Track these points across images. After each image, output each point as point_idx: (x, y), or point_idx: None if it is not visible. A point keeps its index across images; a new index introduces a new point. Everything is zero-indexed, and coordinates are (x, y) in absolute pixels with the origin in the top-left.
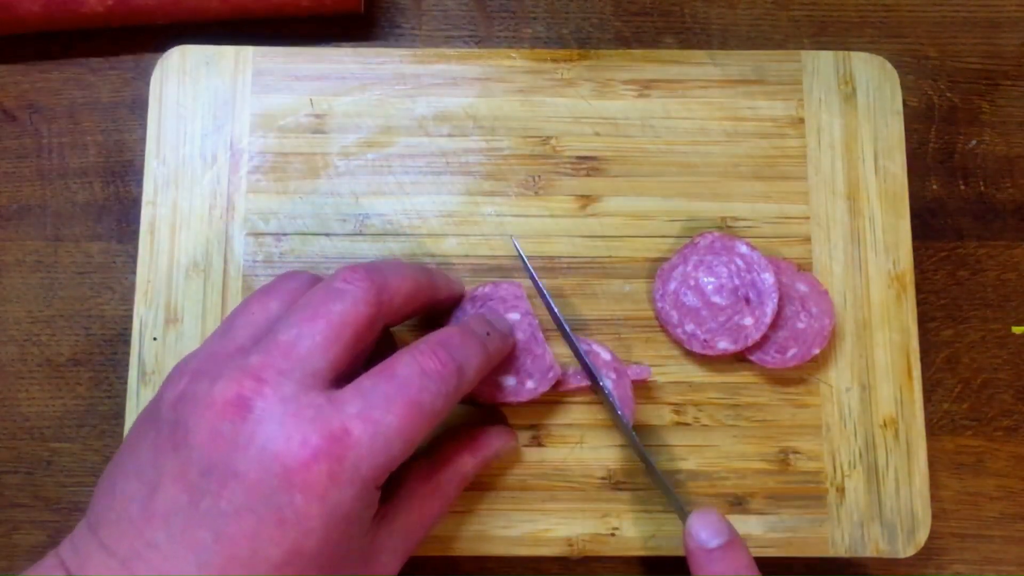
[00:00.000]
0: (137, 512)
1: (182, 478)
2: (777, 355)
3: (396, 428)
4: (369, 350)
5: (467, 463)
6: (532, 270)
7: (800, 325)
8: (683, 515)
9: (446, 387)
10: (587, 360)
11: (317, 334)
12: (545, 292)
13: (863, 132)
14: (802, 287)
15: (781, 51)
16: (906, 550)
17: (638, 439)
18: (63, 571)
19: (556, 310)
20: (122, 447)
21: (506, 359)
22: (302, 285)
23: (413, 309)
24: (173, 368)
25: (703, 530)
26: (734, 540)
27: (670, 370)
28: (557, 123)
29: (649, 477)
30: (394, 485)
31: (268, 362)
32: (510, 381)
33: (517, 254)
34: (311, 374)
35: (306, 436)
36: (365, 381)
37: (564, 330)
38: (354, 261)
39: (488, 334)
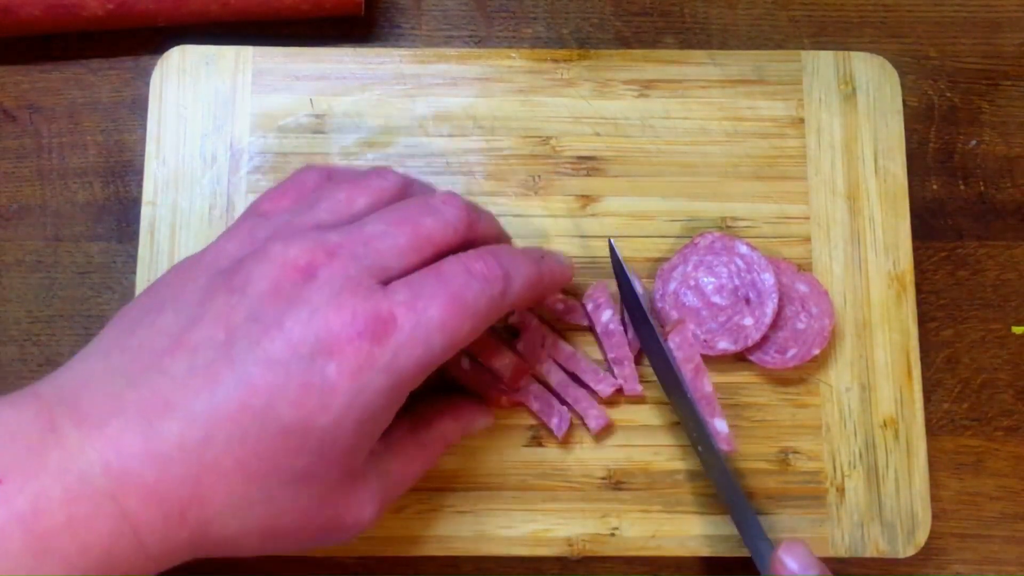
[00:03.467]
0: (165, 343)
1: (226, 319)
2: (777, 355)
3: (438, 320)
4: None
5: (448, 427)
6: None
7: (800, 325)
8: (755, 543)
9: (491, 289)
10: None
11: (401, 237)
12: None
13: (863, 132)
14: (802, 287)
15: (781, 51)
16: (906, 550)
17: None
18: (45, 402)
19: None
20: (160, 284)
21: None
22: (393, 187)
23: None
24: (244, 216)
25: (794, 562)
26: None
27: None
28: (557, 123)
29: (729, 506)
30: (382, 436)
31: (346, 243)
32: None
33: (614, 258)
34: (381, 268)
35: (356, 312)
36: (414, 276)
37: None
38: None
39: (543, 257)
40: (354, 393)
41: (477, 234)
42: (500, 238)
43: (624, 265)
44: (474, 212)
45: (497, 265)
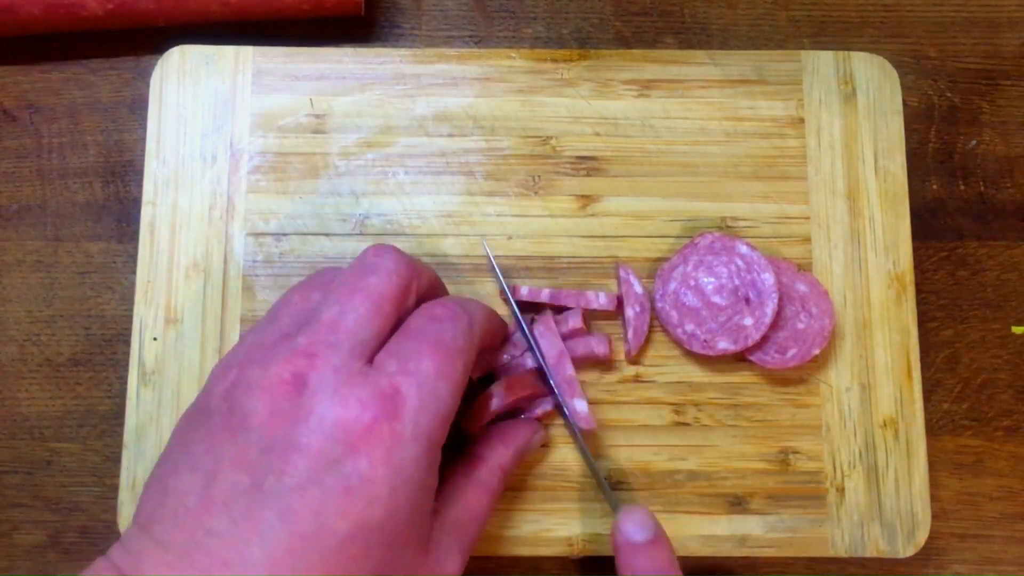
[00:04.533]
0: (195, 503)
1: (242, 461)
2: (777, 355)
3: (434, 371)
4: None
5: (503, 455)
6: (499, 271)
7: (800, 325)
8: (616, 512)
9: (460, 324)
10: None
11: (359, 306)
12: (511, 296)
13: (863, 132)
14: (802, 287)
15: (781, 51)
16: (906, 550)
17: (585, 444)
18: (115, 571)
19: (522, 321)
20: (168, 448)
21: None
22: (336, 273)
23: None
24: (215, 367)
25: (631, 525)
26: (660, 537)
27: (670, 370)
28: (557, 123)
29: (593, 476)
30: (439, 485)
31: (316, 339)
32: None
33: (487, 256)
34: (359, 344)
35: (362, 399)
36: (390, 345)
37: (530, 341)
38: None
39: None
40: (394, 475)
41: (420, 269)
42: (440, 281)
43: (495, 264)
44: (406, 255)
45: (454, 304)
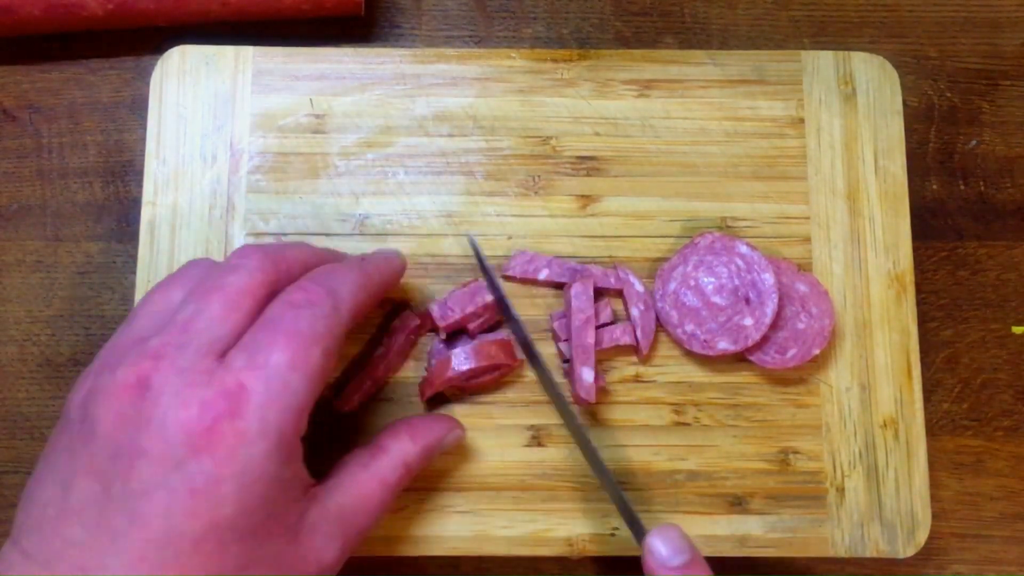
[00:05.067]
0: (54, 513)
1: (92, 469)
2: (777, 355)
3: (287, 363)
4: None
5: (408, 450)
6: (486, 264)
7: (800, 325)
8: (638, 530)
9: (320, 311)
10: (529, 337)
11: (213, 305)
12: (496, 281)
13: (863, 132)
14: (802, 287)
15: (781, 51)
16: (906, 550)
17: (586, 433)
18: None
19: (503, 293)
20: (39, 458)
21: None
22: (203, 271)
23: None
24: (80, 374)
25: (666, 547)
26: (695, 558)
27: (670, 370)
28: (557, 123)
29: (600, 480)
30: (332, 469)
31: (166, 341)
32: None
33: (474, 251)
34: (209, 342)
35: (204, 400)
36: (244, 338)
37: (509, 313)
38: None
39: (363, 259)
40: (241, 474)
41: (288, 262)
42: (318, 261)
43: (482, 256)
44: (272, 248)
45: (315, 287)
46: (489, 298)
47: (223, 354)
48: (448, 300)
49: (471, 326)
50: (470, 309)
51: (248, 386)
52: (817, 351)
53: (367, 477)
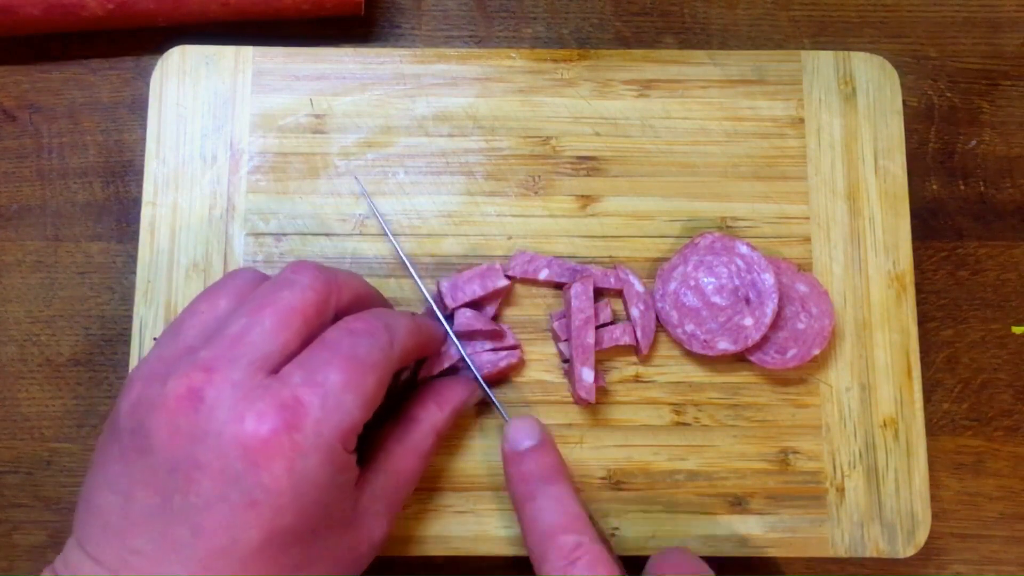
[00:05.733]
0: (116, 522)
1: (151, 482)
2: (777, 355)
3: (342, 384)
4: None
5: (436, 416)
6: (391, 234)
7: (800, 326)
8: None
9: (378, 340)
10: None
11: (266, 320)
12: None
13: (863, 132)
14: (802, 287)
15: (781, 51)
16: (906, 550)
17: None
18: None
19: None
20: (92, 461)
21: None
22: (249, 282)
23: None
24: (127, 377)
25: (517, 433)
26: (545, 442)
27: (670, 370)
28: (557, 123)
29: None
30: (370, 449)
31: (217, 354)
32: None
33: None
34: (261, 358)
35: (260, 413)
36: (301, 356)
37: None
38: (354, 261)
39: (413, 315)
40: (298, 484)
41: (340, 285)
42: (371, 295)
43: (409, 264)
44: (326, 269)
45: (375, 320)
46: (502, 283)
47: (274, 370)
48: (458, 280)
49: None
50: (480, 293)
51: (305, 401)
52: (817, 351)
53: (404, 451)
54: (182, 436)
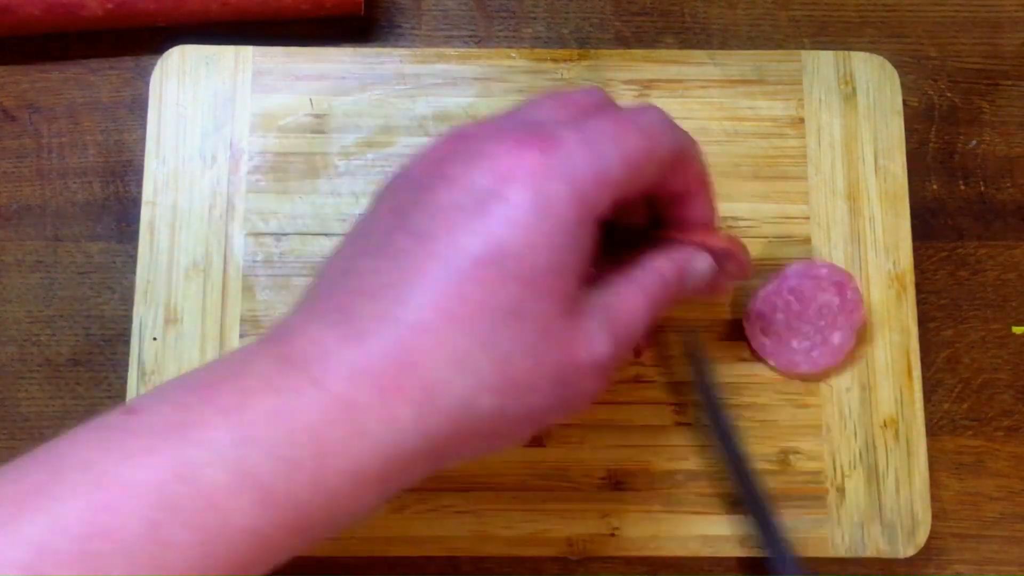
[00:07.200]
0: (348, 252)
1: (392, 206)
2: (806, 364)
3: (611, 134)
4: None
5: (663, 264)
6: None
7: (836, 340)
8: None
9: (654, 138)
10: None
11: (616, 147)
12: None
13: (863, 132)
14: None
15: (781, 51)
16: (906, 550)
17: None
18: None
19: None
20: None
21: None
22: (596, 103)
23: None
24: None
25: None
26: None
27: (670, 370)
28: None
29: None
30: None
31: (557, 131)
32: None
33: None
34: (533, 121)
35: (518, 136)
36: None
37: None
38: None
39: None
40: (537, 203)
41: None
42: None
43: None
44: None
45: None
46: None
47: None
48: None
49: None
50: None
51: (564, 137)
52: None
53: (628, 283)
54: (440, 159)
